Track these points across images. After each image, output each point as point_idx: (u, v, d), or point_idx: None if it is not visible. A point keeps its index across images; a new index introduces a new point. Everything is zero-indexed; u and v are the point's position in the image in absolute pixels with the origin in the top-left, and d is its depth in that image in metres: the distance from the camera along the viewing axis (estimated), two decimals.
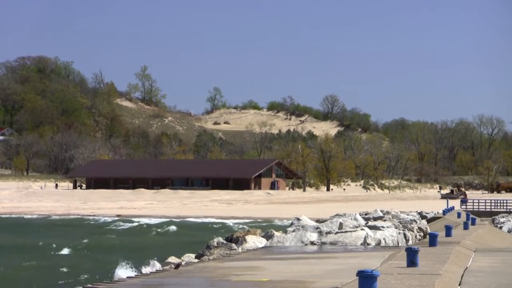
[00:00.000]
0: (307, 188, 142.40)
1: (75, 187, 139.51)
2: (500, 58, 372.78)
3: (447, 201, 70.38)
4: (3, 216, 74.11)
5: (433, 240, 22.58)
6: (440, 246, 22.12)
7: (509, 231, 43.56)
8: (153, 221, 64.89)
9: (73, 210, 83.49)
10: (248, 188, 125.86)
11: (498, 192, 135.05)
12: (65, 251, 39.70)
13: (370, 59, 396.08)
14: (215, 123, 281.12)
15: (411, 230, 31.38)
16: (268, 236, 28.89)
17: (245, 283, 16.14)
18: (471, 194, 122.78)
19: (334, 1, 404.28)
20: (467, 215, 41.79)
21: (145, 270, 25.15)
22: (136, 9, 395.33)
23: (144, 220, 65.59)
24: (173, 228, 56.96)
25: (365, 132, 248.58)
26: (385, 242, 27.29)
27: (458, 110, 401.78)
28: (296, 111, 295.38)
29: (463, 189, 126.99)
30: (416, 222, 35.98)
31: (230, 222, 61.99)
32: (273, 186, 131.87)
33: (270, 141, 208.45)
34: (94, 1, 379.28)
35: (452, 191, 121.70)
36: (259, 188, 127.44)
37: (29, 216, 73.79)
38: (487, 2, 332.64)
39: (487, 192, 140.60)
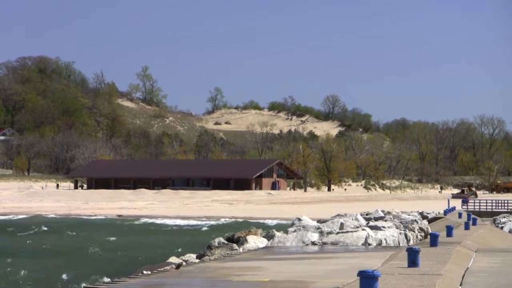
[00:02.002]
0: (308, 188, 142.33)
1: (76, 187, 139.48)
2: (500, 58, 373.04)
3: (448, 201, 70.33)
4: (51, 216, 74.33)
5: (434, 240, 22.58)
6: (441, 246, 22.12)
7: (510, 231, 43.52)
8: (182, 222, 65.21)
9: (74, 210, 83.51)
10: (249, 188, 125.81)
11: (498, 192, 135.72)
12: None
13: (371, 59, 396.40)
14: (216, 123, 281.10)
15: (412, 230, 31.37)
16: (269, 237, 28.90)
17: (246, 283, 16.14)
18: None
19: (335, 1, 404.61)
20: (468, 215, 41.79)
21: None
22: (137, 9, 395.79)
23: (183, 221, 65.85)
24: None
25: (366, 132, 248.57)
26: (386, 242, 27.30)
27: (459, 110, 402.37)
28: (297, 111, 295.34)
29: (473, 189, 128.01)
30: (417, 222, 36.00)
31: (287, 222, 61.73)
32: (274, 186, 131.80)
33: (271, 141, 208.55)
34: (95, 2, 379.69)
35: (462, 191, 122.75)
36: (260, 188, 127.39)
37: (86, 217, 73.56)
38: (487, 2, 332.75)
39: (487, 192, 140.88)
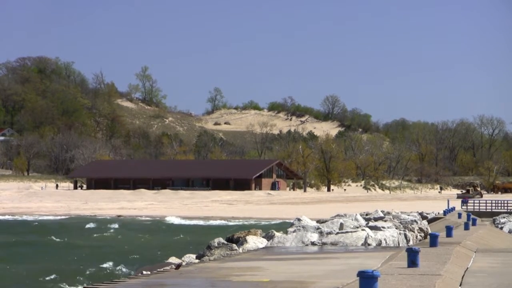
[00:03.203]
0: (308, 189, 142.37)
1: (75, 187, 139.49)
2: (500, 58, 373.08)
3: (448, 201, 70.32)
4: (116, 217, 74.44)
5: (433, 241, 22.57)
6: (441, 247, 22.11)
7: (510, 232, 43.54)
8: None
9: (74, 210, 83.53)
10: (249, 188, 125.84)
11: (496, 192, 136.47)
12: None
13: (371, 59, 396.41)
14: (216, 124, 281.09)
15: (412, 230, 31.36)
16: (269, 237, 28.89)
17: (246, 284, 16.14)
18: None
19: (335, 1, 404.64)
20: (468, 216, 41.77)
21: None
22: (136, 9, 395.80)
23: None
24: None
25: (366, 133, 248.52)
26: (386, 242, 27.29)
27: (458, 110, 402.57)
28: (297, 111, 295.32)
29: (479, 189, 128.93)
30: (417, 222, 35.99)
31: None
32: (273, 187, 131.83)
33: (270, 141, 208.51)
34: (95, 1, 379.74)
35: (468, 191, 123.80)
36: (260, 189, 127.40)
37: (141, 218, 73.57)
38: (487, 2, 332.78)
39: (486, 192, 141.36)
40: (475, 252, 23.13)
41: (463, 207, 66.10)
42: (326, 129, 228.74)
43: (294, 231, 28.63)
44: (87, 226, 61.47)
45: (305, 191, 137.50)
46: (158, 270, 20.92)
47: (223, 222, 67.27)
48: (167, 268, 21.34)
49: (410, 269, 16.04)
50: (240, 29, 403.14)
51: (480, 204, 68.22)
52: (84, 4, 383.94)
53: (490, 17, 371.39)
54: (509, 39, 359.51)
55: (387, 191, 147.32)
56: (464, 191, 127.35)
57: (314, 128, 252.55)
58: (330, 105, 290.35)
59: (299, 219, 31.17)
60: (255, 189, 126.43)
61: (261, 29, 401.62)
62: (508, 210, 64.57)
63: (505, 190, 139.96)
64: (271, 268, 19.22)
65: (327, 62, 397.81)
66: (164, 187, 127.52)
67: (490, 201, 70.43)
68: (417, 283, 13.95)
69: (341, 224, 29.99)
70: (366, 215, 42.53)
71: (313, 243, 26.94)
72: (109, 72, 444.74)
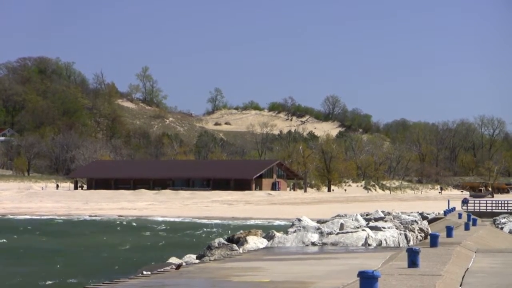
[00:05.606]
0: (308, 189, 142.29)
1: (76, 187, 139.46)
2: (500, 58, 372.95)
3: (448, 201, 70.29)
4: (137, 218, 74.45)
5: (434, 241, 22.57)
6: (441, 247, 22.12)
7: (510, 232, 43.53)
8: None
9: (74, 210, 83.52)
10: (249, 188, 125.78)
11: (494, 192, 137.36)
12: None
13: (371, 59, 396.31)
14: (216, 124, 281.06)
15: (412, 230, 31.38)
16: (269, 237, 28.89)
17: (246, 284, 16.14)
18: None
19: (335, 1, 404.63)
20: (468, 216, 41.80)
21: None
22: (137, 9, 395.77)
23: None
24: None
25: (366, 133, 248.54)
26: (386, 242, 27.30)
27: (459, 110, 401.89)
28: (297, 111, 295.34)
29: (490, 189, 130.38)
30: (417, 222, 36.01)
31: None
32: (274, 187, 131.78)
33: (271, 141, 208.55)
34: (95, 2, 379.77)
35: (480, 190, 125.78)
36: (260, 189, 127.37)
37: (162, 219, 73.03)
38: (487, 2, 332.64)
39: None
40: (475, 252, 23.14)
41: (463, 207, 66.11)
42: (327, 130, 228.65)
43: (295, 232, 28.64)
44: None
45: (305, 191, 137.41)
46: (159, 270, 20.93)
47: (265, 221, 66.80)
48: (168, 268, 21.35)
49: (411, 270, 16.04)
50: (241, 29, 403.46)
51: (481, 204, 68.23)
52: (84, 5, 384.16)
53: (490, 17, 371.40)
54: (509, 39, 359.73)
55: (387, 192, 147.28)
56: (476, 191, 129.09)
57: (315, 128, 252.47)
58: (331, 106, 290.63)
59: (299, 219, 31.18)
60: (255, 190, 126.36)
61: (262, 29, 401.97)
62: (509, 210, 64.56)
63: (498, 190, 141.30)
64: (271, 268, 19.22)
65: (327, 62, 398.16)
66: (164, 188, 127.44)
67: (490, 202, 70.44)
68: (418, 284, 13.95)
69: (342, 225, 30.00)
70: (367, 215, 42.55)
71: (313, 244, 26.94)
72: (109, 72, 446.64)
